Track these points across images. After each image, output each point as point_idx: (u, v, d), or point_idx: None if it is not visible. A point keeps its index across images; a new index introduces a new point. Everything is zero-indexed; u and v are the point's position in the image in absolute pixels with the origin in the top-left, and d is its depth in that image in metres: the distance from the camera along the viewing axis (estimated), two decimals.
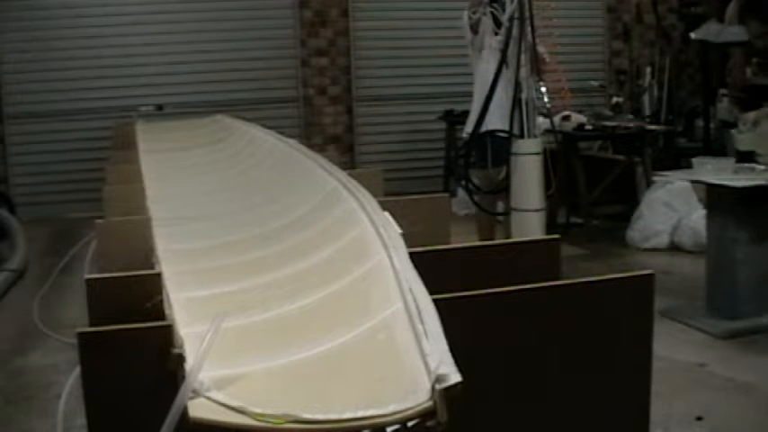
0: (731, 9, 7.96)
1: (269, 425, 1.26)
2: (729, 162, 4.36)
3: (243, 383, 1.38)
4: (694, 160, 4.52)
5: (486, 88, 4.83)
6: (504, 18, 4.76)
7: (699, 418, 3.18)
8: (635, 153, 6.56)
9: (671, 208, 5.87)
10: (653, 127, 6.94)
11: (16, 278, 5.39)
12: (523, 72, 4.72)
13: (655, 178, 5.88)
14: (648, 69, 8.28)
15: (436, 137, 8.18)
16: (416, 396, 1.28)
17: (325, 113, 8.28)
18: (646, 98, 8.19)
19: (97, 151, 6.87)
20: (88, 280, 1.94)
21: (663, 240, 5.83)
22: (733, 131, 5.23)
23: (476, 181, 5.16)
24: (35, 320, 4.44)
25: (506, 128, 4.77)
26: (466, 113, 7.22)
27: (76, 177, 7.43)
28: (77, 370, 1.62)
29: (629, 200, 6.39)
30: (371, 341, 1.51)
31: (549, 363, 1.88)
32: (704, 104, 8.36)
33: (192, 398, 1.31)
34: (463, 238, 2.55)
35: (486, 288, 1.81)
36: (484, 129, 4.91)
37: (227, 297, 1.91)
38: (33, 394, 3.63)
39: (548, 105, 5.08)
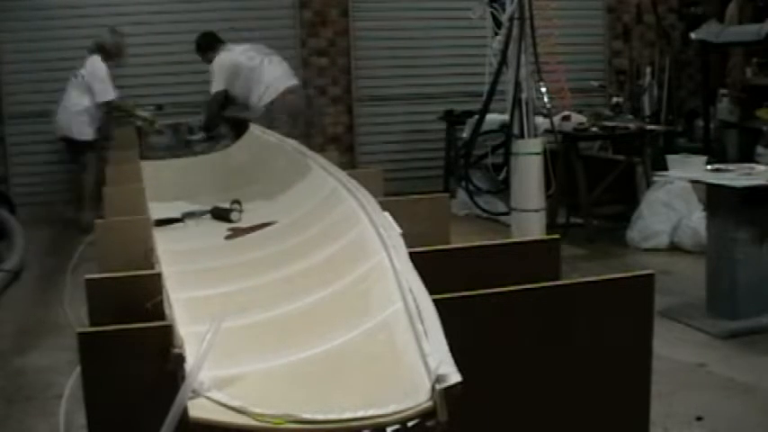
0: (731, 9, 7.96)
1: (269, 425, 1.26)
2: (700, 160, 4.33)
3: (243, 383, 1.38)
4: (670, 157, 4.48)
5: None
6: (504, 18, 4.76)
7: (699, 418, 3.18)
8: (635, 153, 6.56)
9: (671, 208, 5.86)
10: (653, 127, 6.93)
11: (12, 279, 5.38)
12: (523, 72, 4.72)
13: (655, 178, 5.88)
14: (648, 69, 8.28)
15: (436, 137, 8.17)
16: (416, 396, 1.28)
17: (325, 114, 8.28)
18: (646, 98, 8.19)
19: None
20: (88, 280, 1.94)
21: (663, 240, 5.83)
22: None
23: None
24: (68, 315, 4.26)
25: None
26: (466, 113, 7.26)
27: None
28: (78, 370, 1.62)
29: (629, 200, 6.39)
30: (371, 341, 1.51)
31: (549, 363, 1.88)
32: (704, 104, 8.36)
33: (192, 398, 1.31)
34: (463, 238, 2.55)
35: (486, 288, 1.81)
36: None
37: (227, 297, 1.91)
38: (33, 394, 3.62)
39: (548, 105, 5.07)
